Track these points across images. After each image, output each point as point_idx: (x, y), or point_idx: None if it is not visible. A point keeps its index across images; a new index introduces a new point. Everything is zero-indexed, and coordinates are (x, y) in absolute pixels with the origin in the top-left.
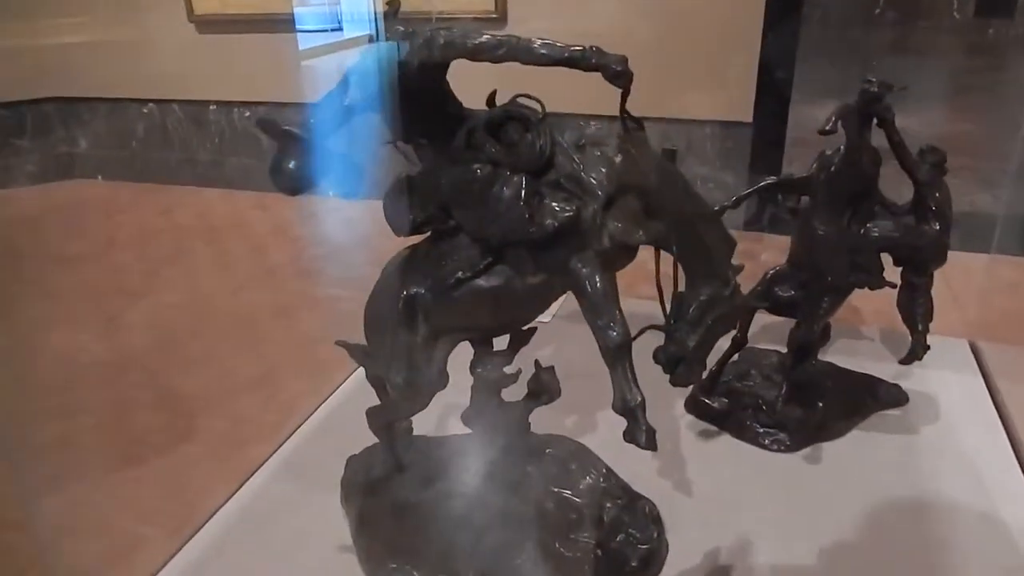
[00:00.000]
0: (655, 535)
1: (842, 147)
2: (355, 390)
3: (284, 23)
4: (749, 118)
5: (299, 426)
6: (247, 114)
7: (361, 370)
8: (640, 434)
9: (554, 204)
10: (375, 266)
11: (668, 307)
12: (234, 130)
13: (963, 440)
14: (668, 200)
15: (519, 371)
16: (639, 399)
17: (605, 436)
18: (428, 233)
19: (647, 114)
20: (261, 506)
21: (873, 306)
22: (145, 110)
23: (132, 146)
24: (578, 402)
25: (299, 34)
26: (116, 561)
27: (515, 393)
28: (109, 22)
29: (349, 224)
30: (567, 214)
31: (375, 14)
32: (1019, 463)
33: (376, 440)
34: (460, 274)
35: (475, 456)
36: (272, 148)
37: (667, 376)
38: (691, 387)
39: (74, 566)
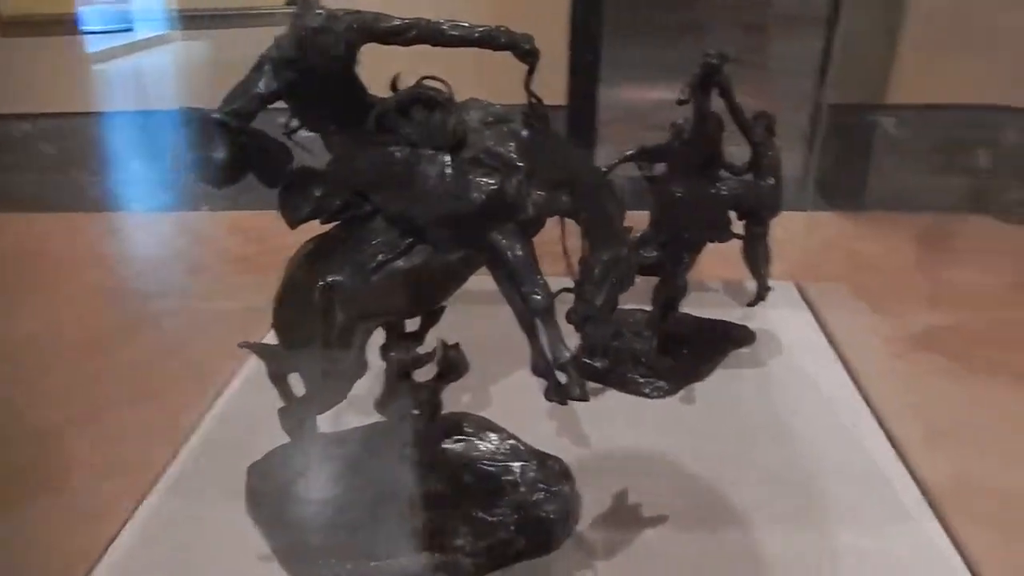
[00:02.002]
0: (568, 489)
1: (691, 116)
2: (232, 404)
3: (66, 24)
4: (562, 100)
5: (182, 445)
6: (26, 127)
7: (237, 382)
8: (574, 387)
9: (478, 179)
10: (194, 274)
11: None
12: (13, 145)
13: (804, 365)
14: (572, 171)
15: (435, 350)
16: (568, 355)
17: (501, 408)
18: (331, 223)
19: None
20: (156, 529)
21: (711, 261)
22: None
23: None
24: (469, 381)
25: (86, 36)
26: None
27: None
28: None
29: (158, 238)
30: (492, 187)
31: (168, 12)
32: (851, 379)
33: (273, 445)
34: (381, 257)
35: (391, 441)
36: (188, 142)
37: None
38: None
39: None
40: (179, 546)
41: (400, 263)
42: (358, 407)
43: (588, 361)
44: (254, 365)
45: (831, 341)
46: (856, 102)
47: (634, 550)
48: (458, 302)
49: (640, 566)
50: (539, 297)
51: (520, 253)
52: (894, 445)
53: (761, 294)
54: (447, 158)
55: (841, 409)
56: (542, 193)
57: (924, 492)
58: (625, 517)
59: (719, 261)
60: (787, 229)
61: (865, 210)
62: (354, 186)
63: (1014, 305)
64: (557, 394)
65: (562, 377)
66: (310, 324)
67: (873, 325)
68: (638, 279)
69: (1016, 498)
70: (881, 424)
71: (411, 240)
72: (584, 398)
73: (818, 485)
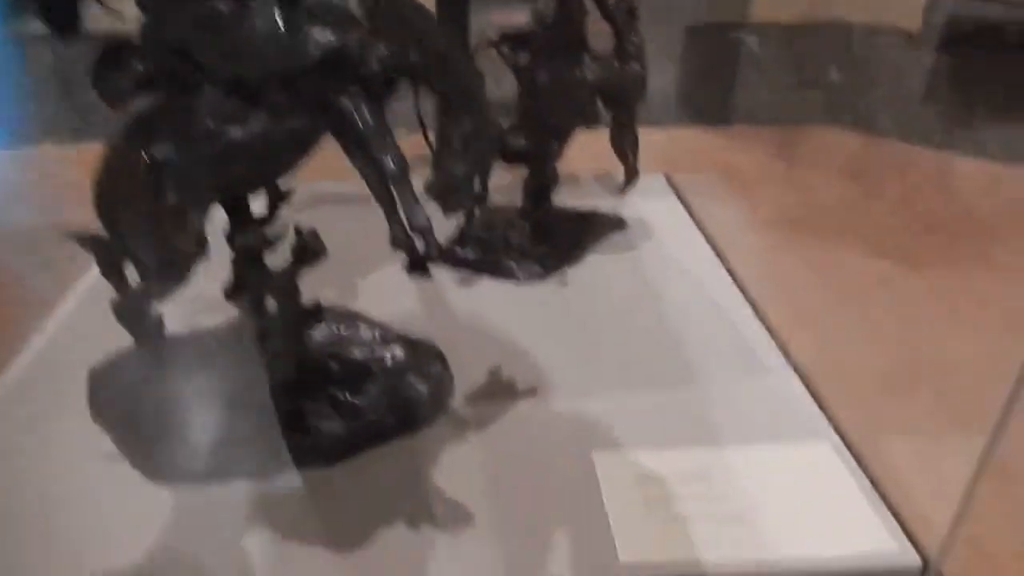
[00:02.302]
0: (440, 369)
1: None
2: (70, 317)
3: None
4: None
5: (11, 362)
6: None
7: (78, 294)
8: (433, 250)
9: (315, 32)
10: (38, 208)
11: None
12: None
13: (673, 249)
14: (424, 32)
15: (287, 228)
16: (426, 219)
17: (371, 299)
18: (157, 94)
19: None
20: None
21: (581, 155)
22: None
23: None
24: (336, 277)
25: None
26: None
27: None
28: None
29: None
30: (330, 40)
31: None
32: (718, 259)
33: (111, 351)
34: (211, 125)
35: (245, 334)
36: None
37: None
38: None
39: None
40: (20, 460)
41: (234, 132)
42: (215, 309)
43: (460, 250)
44: (94, 276)
45: (699, 226)
46: (722, 21)
47: (506, 421)
48: (319, 203)
49: (511, 436)
50: (392, 162)
51: (367, 116)
52: (760, 317)
53: (630, 179)
54: (277, 10)
55: (710, 288)
56: (388, 51)
57: (788, 357)
58: (497, 392)
59: (588, 155)
60: (654, 142)
61: (729, 124)
62: (175, 49)
63: (859, 199)
64: (418, 266)
65: (420, 243)
66: (137, 206)
67: (737, 213)
68: (509, 174)
69: (871, 359)
70: (747, 297)
71: (245, 106)
72: (442, 257)
73: (689, 356)
